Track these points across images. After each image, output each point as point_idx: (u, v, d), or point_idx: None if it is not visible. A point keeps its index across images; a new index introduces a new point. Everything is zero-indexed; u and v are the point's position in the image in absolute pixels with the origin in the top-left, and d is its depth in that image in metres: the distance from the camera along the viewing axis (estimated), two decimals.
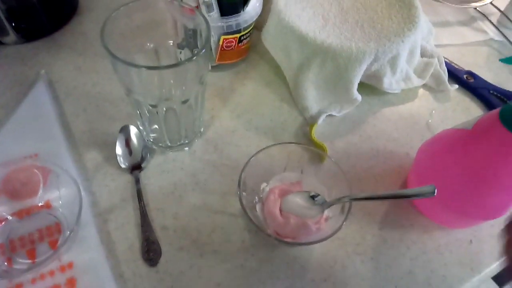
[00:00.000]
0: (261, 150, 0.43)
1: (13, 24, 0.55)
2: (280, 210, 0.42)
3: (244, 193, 0.41)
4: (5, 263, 0.37)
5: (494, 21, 0.71)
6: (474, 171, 0.38)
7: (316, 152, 0.45)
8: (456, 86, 0.60)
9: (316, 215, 0.41)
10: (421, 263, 0.43)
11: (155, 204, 0.45)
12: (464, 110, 0.58)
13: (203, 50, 0.37)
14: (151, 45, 0.45)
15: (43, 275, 0.37)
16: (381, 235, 0.45)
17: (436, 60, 0.59)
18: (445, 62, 0.61)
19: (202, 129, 0.51)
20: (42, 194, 0.41)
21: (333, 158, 0.43)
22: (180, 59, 0.47)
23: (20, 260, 0.38)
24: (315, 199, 0.42)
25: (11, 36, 0.56)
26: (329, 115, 0.54)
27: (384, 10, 0.56)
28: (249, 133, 0.52)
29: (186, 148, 0.50)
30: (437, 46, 0.64)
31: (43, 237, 0.40)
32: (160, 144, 0.48)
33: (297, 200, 0.42)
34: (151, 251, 0.41)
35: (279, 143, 0.44)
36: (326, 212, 0.42)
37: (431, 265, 0.43)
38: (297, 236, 0.41)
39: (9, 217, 0.40)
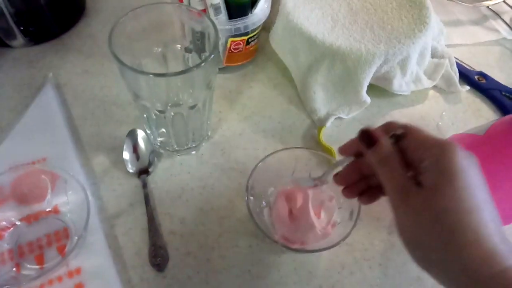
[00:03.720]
0: (269, 155, 0.42)
1: (21, 28, 0.55)
2: (290, 212, 0.42)
3: (251, 198, 0.41)
4: (14, 269, 0.38)
5: (507, 20, 0.70)
6: (485, 178, 0.38)
7: (324, 157, 0.44)
8: (467, 87, 0.59)
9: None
10: None
11: (162, 209, 0.45)
12: (475, 112, 0.57)
13: (212, 56, 0.37)
14: (159, 49, 0.45)
15: (51, 280, 0.38)
16: (390, 240, 0.44)
17: (447, 61, 0.58)
18: (456, 62, 0.60)
19: (209, 133, 0.51)
20: (50, 199, 0.42)
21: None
22: (188, 61, 0.47)
23: (29, 266, 0.38)
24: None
25: (19, 40, 0.56)
26: (338, 117, 0.54)
27: (395, 10, 0.55)
28: (257, 136, 0.52)
29: (193, 152, 0.49)
30: (448, 46, 0.62)
31: (51, 242, 0.40)
32: (167, 148, 0.48)
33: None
34: (158, 256, 0.41)
35: (287, 148, 0.44)
36: (334, 218, 0.42)
37: None
38: (305, 240, 0.41)
39: (18, 223, 0.40)
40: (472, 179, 0.27)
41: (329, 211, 0.43)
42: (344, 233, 0.38)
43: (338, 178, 0.36)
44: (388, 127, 0.31)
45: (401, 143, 0.30)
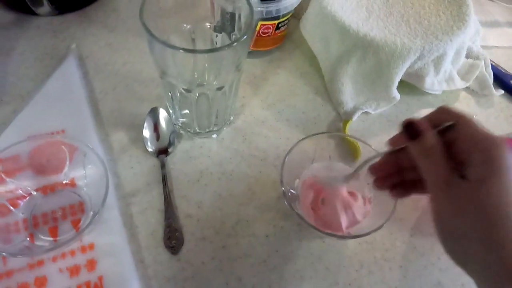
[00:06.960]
0: (294, 146, 0.41)
1: None
2: (317, 204, 0.41)
3: (283, 189, 0.39)
4: (28, 239, 0.37)
5: None
6: None
7: (341, 138, 0.43)
8: (502, 91, 0.56)
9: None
10: (452, 275, 0.41)
11: (179, 191, 0.43)
12: (508, 118, 0.55)
13: (245, 37, 0.35)
14: (188, 26, 0.43)
15: (64, 254, 0.37)
16: (412, 243, 0.43)
17: (482, 62, 0.56)
18: (491, 65, 0.58)
19: (231, 117, 0.49)
20: (67, 171, 0.41)
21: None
22: (216, 42, 0.45)
23: (42, 237, 0.37)
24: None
25: (45, 7, 0.55)
26: (364, 112, 0.52)
27: (432, 5, 0.53)
28: (280, 125, 0.50)
29: (214, 136, 0.48)
30: (483, 47, 0.60)
31: (66, 215, 0.39)
32: (189, 130, 0.47)
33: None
34: (173, 239, 0.40)
35: (308, 137, 0.42)
36: (366, 194, 0.41)
37: (462, 278, 0.41)
38: (342, 224, 0.39)
39: (34, 193, 0.40)
40: None
41: (360, 188, 0.42)
42: (385, 212, 0.36)
43: (373, 168, 0.35)
44: (440, 116, 0.30)
45: (449, 134, 0.29)
